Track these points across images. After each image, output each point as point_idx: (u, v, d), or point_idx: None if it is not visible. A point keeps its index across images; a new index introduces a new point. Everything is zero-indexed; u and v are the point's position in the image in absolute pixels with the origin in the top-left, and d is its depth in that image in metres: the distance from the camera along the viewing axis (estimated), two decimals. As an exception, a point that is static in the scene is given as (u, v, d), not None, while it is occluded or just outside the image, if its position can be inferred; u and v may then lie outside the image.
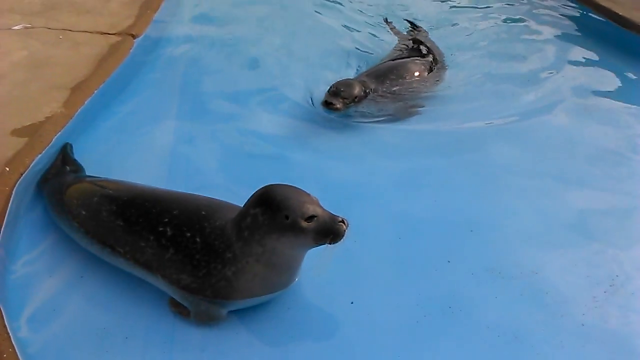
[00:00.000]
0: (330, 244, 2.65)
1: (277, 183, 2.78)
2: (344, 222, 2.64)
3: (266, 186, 2.76)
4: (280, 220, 2.62)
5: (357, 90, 4.69)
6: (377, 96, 4.89)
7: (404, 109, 4.87)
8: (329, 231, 2.62)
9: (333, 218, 2.64)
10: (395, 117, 4.77)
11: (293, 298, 3.05)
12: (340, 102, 4.59)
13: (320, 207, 2.69)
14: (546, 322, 3.04)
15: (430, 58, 5.52)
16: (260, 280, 2.81)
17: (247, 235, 2.71)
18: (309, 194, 2.72)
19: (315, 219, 2.62)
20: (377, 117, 4.78)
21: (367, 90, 4.82)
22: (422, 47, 5.72)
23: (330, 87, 4.69)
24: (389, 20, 6.50)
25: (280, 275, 2.87)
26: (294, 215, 2.61)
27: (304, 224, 2.61)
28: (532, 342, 2.93)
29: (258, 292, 2.86)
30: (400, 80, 5.08)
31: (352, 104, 4.68)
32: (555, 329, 3.00)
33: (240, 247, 2.73)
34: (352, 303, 3.07)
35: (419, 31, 6.22)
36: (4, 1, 5.83)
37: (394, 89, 5.00)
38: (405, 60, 5.46)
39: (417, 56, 5.53)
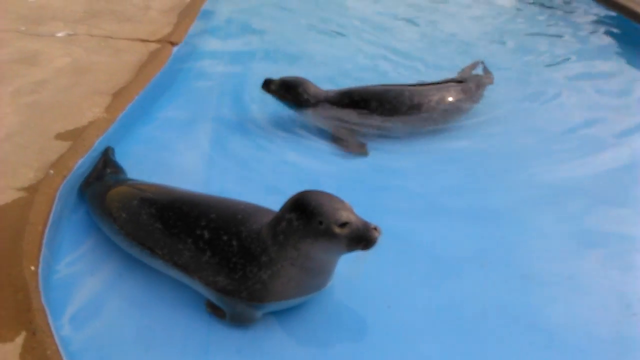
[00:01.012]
0: (363, 250, 2.70)
1: (312, 189, 2.83)
2: (376, 230, 2.68)
3: (301, 192, 2.81)
4: (315, 226, 2.67)
5: (286, 85, 4.71)
6: (325, 109, 4.72)
7: (339, 136, 4.58)
8: (362, 238, 2.67)
9: (366, 225, 2.69)
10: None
11: (328, 300, 3.09)
12: (268, 87, 4.74)
13: (354, 214, 2.73)
14: (580, 329, 3.02)
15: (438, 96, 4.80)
16: (295, 283, 2.85)
17: (282, 240, 2.76)
18: (343, 201, 2.77)
19: (348, 225, 2.67)
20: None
21: (306, 97, 4.68)
22: (458, 85, 5.01)
23: None
24: (481, 61, 5.85)
25: (315, 278, 2.91)
26: (328, 221, 2.65)
27: (337, 230, 2.65)
28: (565, 349, 2.92)
29: (292, 295, 2.90)
30: (361, 105, 4.68)
31: (280, 96, 4.73)
32: (589, 336, 2.98)
33: (275, 251, 2.79)
34: (388, 307, 3.10)
35: (486, 75, 5.51)
36: (48, 9, 6.03)
37: (347, 113, 4.66)
38: (397, 87, 4.84)
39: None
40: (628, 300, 3.18)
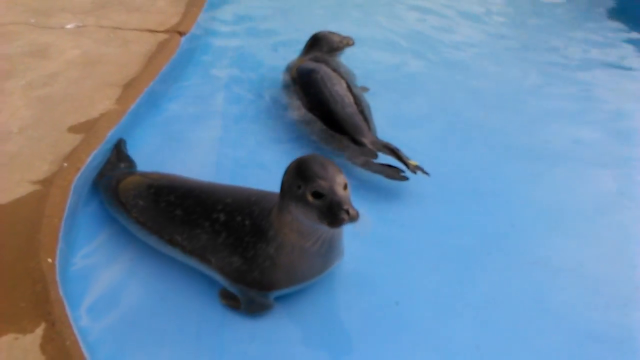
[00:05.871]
0: (328, 226, 2.61)
1: (313, 153, 2.81)
2: (348, 213, 2.54)
3: (302, 155, 2.82)
4: (295, 189, 2.68)
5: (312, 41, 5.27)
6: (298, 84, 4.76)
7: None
8: (328, 214, 2.57)
9: (339, 204, 2.55)
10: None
11: (338, 289, 3.14)
12: None
13: (338, 188, 2.61)
14: (589, 314, 3.06)
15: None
16: (299, 253, 2.85)
17: (281, 204, 2.81)
18: (335, 172, 2.65)
19: (323, 197, 2.60)
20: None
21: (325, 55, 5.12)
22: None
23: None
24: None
25: (315, 248, 2.82)
26: (304, 187, 2.63)
27: (310, 198, 2.62)
28: (574, 335, 2.95)
29: (300, 270, 2.93)
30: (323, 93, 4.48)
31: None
32: (598, 321, 3.02)
33: (278, 220, 2.83)
34: (393, 295, 3.13)
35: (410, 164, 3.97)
36: (57, 1, 6.03)
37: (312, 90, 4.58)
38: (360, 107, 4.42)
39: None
40: (638, 283, 3.22)
